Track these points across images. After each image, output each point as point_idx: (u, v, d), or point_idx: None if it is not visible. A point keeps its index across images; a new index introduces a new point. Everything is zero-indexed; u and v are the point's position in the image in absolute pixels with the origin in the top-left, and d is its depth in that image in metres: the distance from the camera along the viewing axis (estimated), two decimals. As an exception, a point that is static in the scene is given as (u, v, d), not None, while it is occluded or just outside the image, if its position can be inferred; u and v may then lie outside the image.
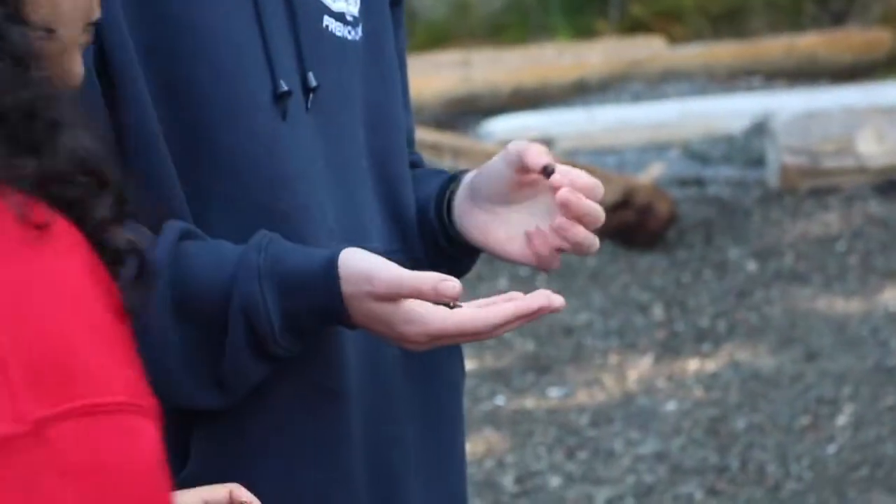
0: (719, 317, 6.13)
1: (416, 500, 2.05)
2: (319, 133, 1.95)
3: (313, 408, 1.93)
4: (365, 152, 1.94)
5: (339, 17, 1.98)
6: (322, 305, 1.82)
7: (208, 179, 1.90)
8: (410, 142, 2.14)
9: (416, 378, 2.04)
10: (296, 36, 1.94)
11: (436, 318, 1.79)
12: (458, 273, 1.95)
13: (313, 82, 1.92)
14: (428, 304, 1.82)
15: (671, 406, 5.36)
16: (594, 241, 1.87)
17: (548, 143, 7.87)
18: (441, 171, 2.15)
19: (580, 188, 1.88)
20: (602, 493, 4.85)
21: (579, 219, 1.88)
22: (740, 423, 5.13)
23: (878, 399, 5.42)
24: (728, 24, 11.48)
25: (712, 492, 4.78)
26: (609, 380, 5.64)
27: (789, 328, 5.97)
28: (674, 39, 10.79)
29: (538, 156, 1.90)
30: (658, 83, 9.42)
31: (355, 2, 2.02)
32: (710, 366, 5.69)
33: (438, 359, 2.06)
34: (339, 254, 1.81)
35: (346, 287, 1.79)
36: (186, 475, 1.87)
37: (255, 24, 1.91)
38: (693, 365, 5.70)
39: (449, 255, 2.05)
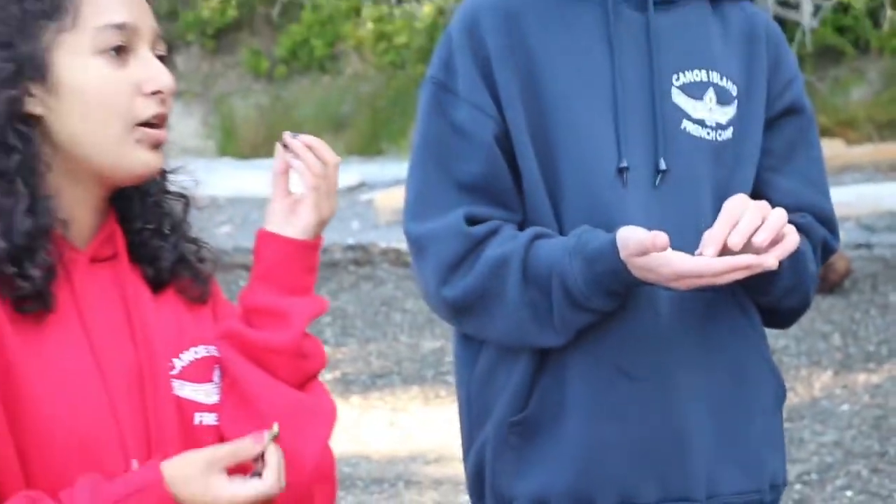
0: (882, 343, 6.29)
1: (705, 462, 1.96)
2: (662, 203, 1.93)
3: (610, 383, 1.94)
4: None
5: (699, 122, 1.95)
6: (612, 271, 1.85)
7: (562, 224, 1.94)
8: (818, 217, 2.01)
9: (711, 365, 1.97)
10: (654, 132, 1.92)
11: (676, 260, 1.79)
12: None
13: (663, 166, 1.92)
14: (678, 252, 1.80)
15: (845, 407, 5.49)
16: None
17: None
18: None
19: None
20: (794, 470, 4.82)
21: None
22: (896, 421, 5.34)
23: None
24: (891, 129, 11.24)
25: (875, 471, 4.84)
26: (800, 388, 5.72)
27: (937, 351, 6.13)
28: (850, 142, 10.79)
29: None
30: (838, 174, 9.31)
31: (723, 112, 1.97)
32: (875, 379, 5.80)
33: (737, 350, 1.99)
34: (619, 232, 1.85)
35: (622, 253, 1.83)
36: (529, 412, 1.96)
37: (612, 120, 1.92)
38: (862, 378, 5.83)
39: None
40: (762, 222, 1.78)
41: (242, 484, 1.45)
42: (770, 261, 1.76)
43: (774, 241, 1.80)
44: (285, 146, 1.59)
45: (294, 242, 1.58)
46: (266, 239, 1.60)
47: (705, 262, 1.77)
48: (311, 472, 1.56)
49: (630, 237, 1.81)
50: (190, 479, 1.44)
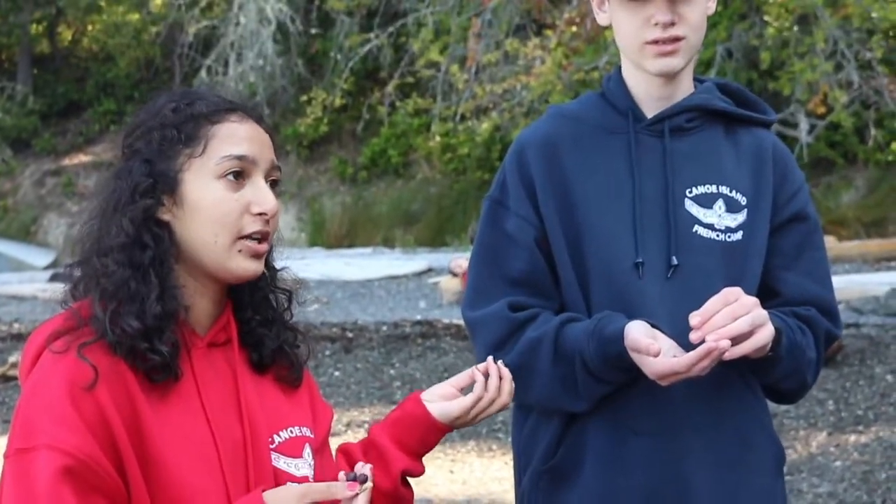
0: (869, 409, 6.21)
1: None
2: (675, 292, 1.91)
3: (621, 439, 1.94)
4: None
5: (709, 226, 1.94)
6: (619, 354, 1.87)
7: (591, 309, 1.96)
8: (822, 309, 1.98)
9: (714, 431, 1.93)
10: (668, 234, 1.92)
11: (654, 363, 1.82)
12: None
13: (674, 261, 1.91)
14: (667, 351, 1.82)
15: (838, 463, 5.42)
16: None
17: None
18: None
19: None
20: (794, 518, 4.64)
21: None
22: (882, 475, 5.21)
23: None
24: (875, 228, 11.49)
25: (864, 518, 4.79)
26: (799, 446, 5.67)
27: (915, 418, 6.03)
28: (841, 238, 10.95)
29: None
30: (831, 265, 8.40)
31: (733, 218, 1.94)
32: (864, 439, 5.72)
33: (736, 417, 1.95)
34: (628, 324, 1.87)
35: (625, 342, 1.86)
36: (555, 462, 1.99)
37: (631, 225, 1.93)
38: (853, 438, 5.75)
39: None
40: (726, 321, 1.78)
41: None
42: (722, 344, 1.75)
43: (752, 334, 1.79)
44: (486, 372, 1.69)
45: (430, 418, 1.66)
46: (415, 400, 1.68)
47: (675, 362, 1.78)
48: None
49: (630, 334, 1.83)
50: (285, 503, 1.45)
